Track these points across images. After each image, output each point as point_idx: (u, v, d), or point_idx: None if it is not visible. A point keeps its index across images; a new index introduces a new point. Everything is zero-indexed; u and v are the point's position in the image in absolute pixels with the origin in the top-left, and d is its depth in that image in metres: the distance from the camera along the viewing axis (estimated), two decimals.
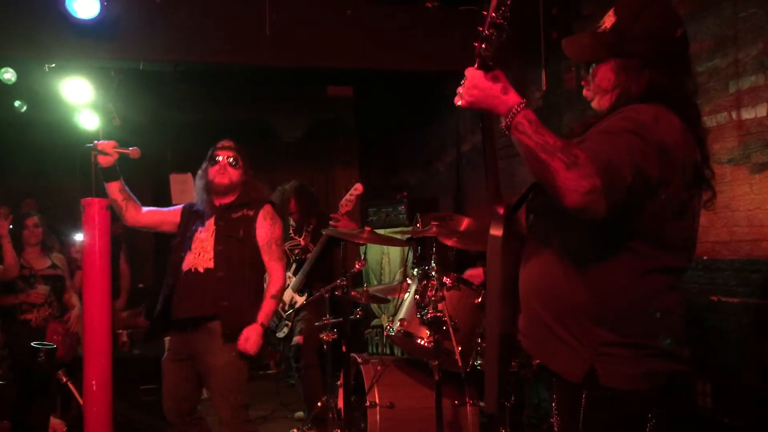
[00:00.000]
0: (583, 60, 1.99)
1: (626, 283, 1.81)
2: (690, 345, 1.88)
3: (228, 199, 3.63)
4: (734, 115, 3.85)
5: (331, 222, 4.69)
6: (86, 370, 3.29)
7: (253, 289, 3.54)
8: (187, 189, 5.93)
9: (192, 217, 3.65)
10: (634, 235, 1.80)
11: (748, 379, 3.64)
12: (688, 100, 1.91)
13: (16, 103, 5.97)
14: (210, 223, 3.57)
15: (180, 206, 3.77)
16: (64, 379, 4.25)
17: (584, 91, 2.03)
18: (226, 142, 3.73)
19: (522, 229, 2.05)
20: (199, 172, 3.70)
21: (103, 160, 3.45)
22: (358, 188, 4.80)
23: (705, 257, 3.96)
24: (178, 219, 3.67)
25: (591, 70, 1.97)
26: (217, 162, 3.62)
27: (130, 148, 3.49)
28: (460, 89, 1.81)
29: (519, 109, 1.71)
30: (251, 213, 3.60)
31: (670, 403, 1.85)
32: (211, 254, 3.48)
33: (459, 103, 1.81)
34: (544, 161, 1.65)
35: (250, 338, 3.39)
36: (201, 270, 3.46)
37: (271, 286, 3.56)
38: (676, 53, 1.91)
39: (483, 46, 1.73)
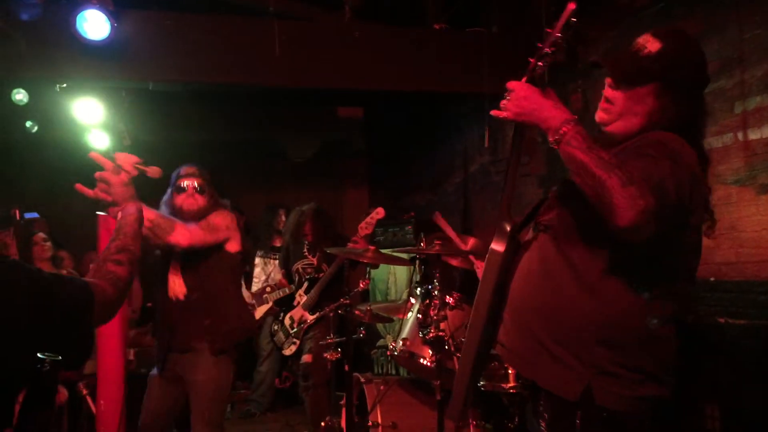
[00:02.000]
0: (621, 79, 1.92)
1: (635, 307, 1.81)
2: (697, 367, 1.89)
3: None
4: (740, 135, 3.84)
5: (349, 244, 4.71)
6: (100, 389, 3.31)
7: (231, 296, 3.56)
8: None
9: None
10: (653, 263, 1.80)
11: (756, 402, 3.59)
12: (701, 134, 1.94)
13: (28, 124, 6.03)
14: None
15: None
16: (85, 392, 4.30)
17: (600, 114, 1.97)
18: (190, 169, 3.69)
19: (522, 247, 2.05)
20: (164, 198, 3.66)
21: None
22: (379, 212, 4.83)
23: (712, 278, 3.92)
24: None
25: (619, 92, 1.91)
26: (184, 189, 3.59)
27: (150, 167, 3.38)
28: (504, 102, 1.79)
29: (573, 122, 1.70)
30: None
31: (660, 428, 1.85)
32: (182, 279, 3.49)
33: (503, 115, 1.79)
34: (600, 177, 1.62)
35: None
36: (181, 297, 3.48)
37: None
38: (703, 88, 1.95)
39: (539, 63, 1.73)
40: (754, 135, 3.77)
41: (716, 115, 3.98)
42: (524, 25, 5.50)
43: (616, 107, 1.93)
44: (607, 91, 1.95)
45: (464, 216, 6.62)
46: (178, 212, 3.58)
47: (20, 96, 5.43)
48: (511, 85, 1.78)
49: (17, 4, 4.60)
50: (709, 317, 3.86)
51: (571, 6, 1.69)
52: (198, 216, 3.59)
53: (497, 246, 1.94)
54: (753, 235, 3.75)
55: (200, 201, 3.59)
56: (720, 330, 3.80)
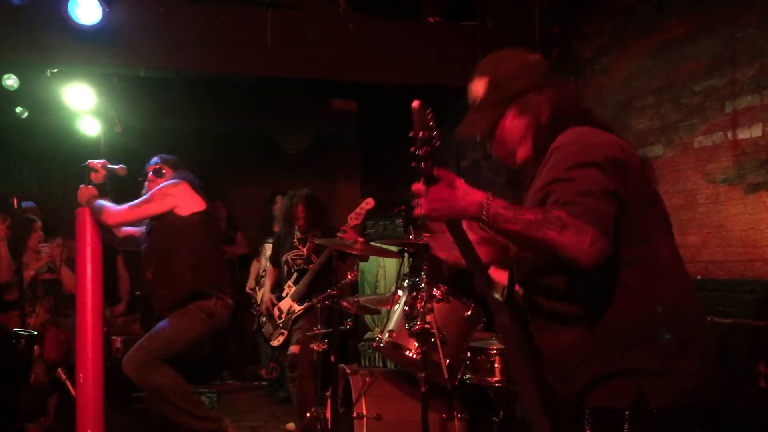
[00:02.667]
0: (488, 128, 1.98)
1: (644, 294, 1.78)
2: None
3: None
4: (730, 134, 3.85)
5: (338, 234, 4.70)
6: (78, 368, 3.41)
7: (180, 259, 3.83)
8: None
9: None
10: (623, 244, 1.76)
11: (742, 401, 3.60)
12: (588, 111, 1.95)
13: (18, 109, 5.98)
14: None
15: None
16: (63, 377, 4.37)
17: (505, 159, 2.02)
18: (153, 159, 4.20)
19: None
20: (142, 192, 4.09)
21: (95, 177, 3.85)
22: (369, 203, 4.83)
23: (699, 276, 3.94)
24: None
25: (494, 137, 1.98)
26: (146, 177, 4.11)
27: (118, 166, 3.93)
28: (419, 201, 1.76)
29: (489, 202, 1.69)
30: None
31: (713, 421, 1.80)
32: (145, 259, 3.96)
33: (422, 213, 1.76)
34: (538, 239, 1.64)
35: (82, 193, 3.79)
36: (149, 276, 3.93)
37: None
38: (546, 71, 1.98)
39: (422, 165, 1.72)
40: (743, 134, 3.78)
41: (707, 113, 3.98)
42: (519, 18, 5.50)
43: (508, 144, 1.98)
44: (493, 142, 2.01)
45: None
46: None
47: (11, 82, 5.39)
48: (415, 190, 1.76)
49: None
50: None
51: (415, 105, 1.70)
52: None
53: (501, 318, 1.88)
54: (740, 234, 3.76)
55: (160, 183, 4.02)
56: None
